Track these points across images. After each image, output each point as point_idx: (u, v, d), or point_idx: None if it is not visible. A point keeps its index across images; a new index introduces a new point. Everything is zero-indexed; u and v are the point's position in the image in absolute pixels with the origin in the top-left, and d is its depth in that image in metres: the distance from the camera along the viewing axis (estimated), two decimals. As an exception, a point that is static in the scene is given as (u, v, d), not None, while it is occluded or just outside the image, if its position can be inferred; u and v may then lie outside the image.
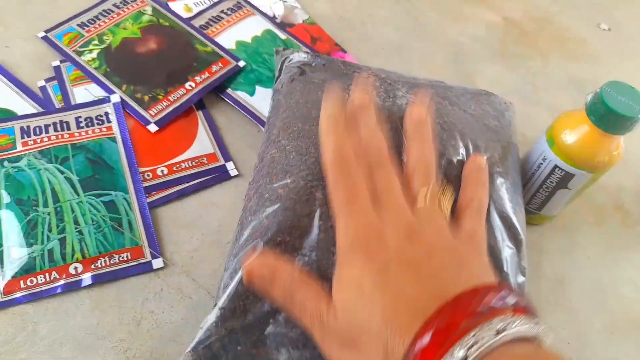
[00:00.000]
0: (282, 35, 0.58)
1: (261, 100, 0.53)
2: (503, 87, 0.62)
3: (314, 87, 0.45)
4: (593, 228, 0.52)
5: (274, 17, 0.61)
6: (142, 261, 0.42)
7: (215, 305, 0.36)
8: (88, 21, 0.56)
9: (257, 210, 0.39)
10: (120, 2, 0.57)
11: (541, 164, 0.46)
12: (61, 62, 0.53)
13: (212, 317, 0.35)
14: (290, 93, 0.46)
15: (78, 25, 0.55)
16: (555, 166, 0.44)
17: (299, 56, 0.48)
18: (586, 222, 0.53)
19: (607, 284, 0.48)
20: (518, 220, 0.42)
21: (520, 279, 0.40)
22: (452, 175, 0.40)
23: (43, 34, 0.54)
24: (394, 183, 0.34)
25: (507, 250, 0.40)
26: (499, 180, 0.43)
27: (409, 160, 0.37)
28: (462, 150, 0.42)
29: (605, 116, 0.40)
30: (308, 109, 0.43)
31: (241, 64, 0.54)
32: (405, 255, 0.30)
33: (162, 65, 0.53)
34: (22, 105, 0.49)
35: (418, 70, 0.61)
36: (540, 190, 0.47)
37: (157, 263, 0.43)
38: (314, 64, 0.48)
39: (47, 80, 0.51)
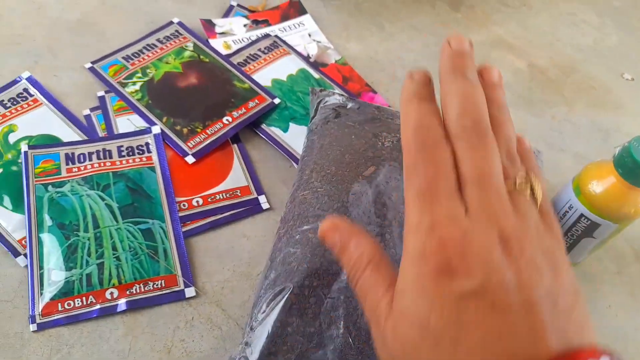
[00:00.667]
0: (316, 75, 0.61)
1: (294, 136, 0.55)
2: (528, 133, 0.64)
3: (347, 130, 0.47)
4: (614, 277, 0.53)
5: (308, 56, 0.63)
6: (176, 289, 0.44)
7: (245, 343, 0.36)
8: (133, 54, 0.58)
9: (287, 252, 0.40)
10: (164, 38, 0.60)
11: (567, 212, 0.47)
12: (106, 92, 0.55)
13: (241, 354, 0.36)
14: (325, 135, 0.48)
15: (123, 57, 0.58)
16: (582, 215, 0.45)
17: (335, 98, 0.50)
18: (607, 271, 0.53)
19: (628, 333, 0.49)
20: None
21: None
22: None
23: (90, 64, 0.57)
24: (494, 165, 0.24)
25: None
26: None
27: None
28: None
29: (634, 170, 0.41)
30: (341, 152, 0.45)
31: (276, 101, 0.57)
32: (501, 280, 0.21)
33: (202, 99, 0.55)
34: (67, 132, 0.51)
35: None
36: (565, 237, 0.48)
37: (190, 292, 0.44)
38: (348, 107, 0.50)
39: (92, 109, 0.54)
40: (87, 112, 0.54)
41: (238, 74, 0.58)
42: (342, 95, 0.51)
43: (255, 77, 0.59)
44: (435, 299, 0.22)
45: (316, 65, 0.63)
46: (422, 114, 0.25)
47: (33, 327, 0.40)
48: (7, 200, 0.46)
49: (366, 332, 0.37)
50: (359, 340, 0.37)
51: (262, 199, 0.51)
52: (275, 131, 0.55)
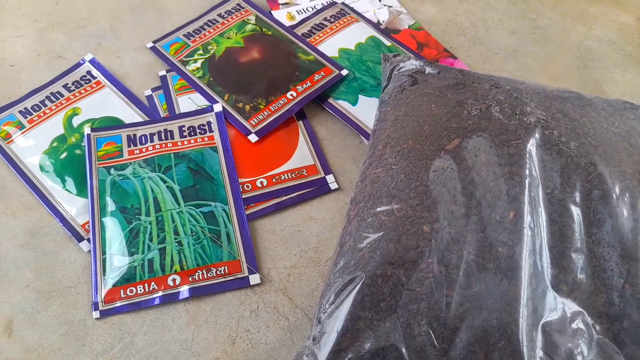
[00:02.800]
0: (387, 42, 0.55)
1: (364, 110, 0.50)
2: (637, 97, 0.54)
3: (426, 98, 0.41)
4: None
5: (379, 23, 0.58)
6: (239, 276, 0.41)
7: (313, 339, 0.32)
8: (194, 31, 0.56)
9: (357, 236, 0.36)
10: (225, 12, 0.57)
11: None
12: (167, 71, 0.53)
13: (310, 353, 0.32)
14: (399, 105, 0.42)
15: (184, 35, 0.56)
16: None
17: (411, 64, 0.45)
18: None
19: None
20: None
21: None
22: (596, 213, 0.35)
23: (151, 44, 0.55)
24: None
25: None
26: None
27: None
28: (599, 185, 0.36)
29: None
30: (419, 124, 0.40)
31: (344, 72, 0.52)
32: None
33: (264, 74, 0.51)
34: (129, 113, 0.50)
35: (537, 78, 0.55)
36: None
37: (254, 279, 0.41)
38: (427, 71, 0.44)
39: (154, 89, 0.52)
40: (148, 92, 0.52)
41: (303, 45, 0.54)
42: (419, 59, 0.45)
43: (320, 47, 0.54)
44: None
45: (387, 32, 0.57)
46: None
47: (96, 314, 0.39)
48: (70, 184, 0.45)
49: (451, 329, 0.31)
50: (444, 340, 0.31)
51: (329, 178, 0.46)
52: (343, 105, 0.50)
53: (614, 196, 0.36)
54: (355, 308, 0.32)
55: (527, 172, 0.36)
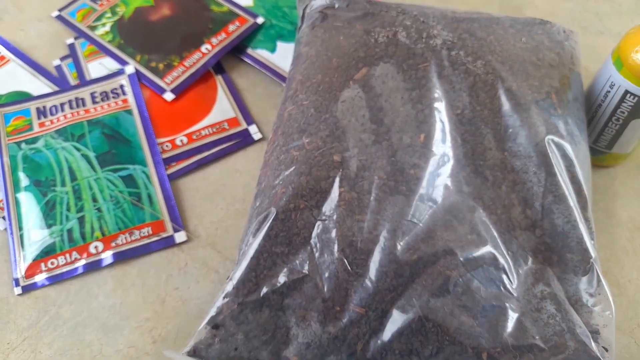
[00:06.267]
0: (303, -13, 0.53)
1: (283, 56, 0.49)
2: (559, 19, 0.55)
3: (335, 32, 0.41)
4: (678, 166, 0.44)
5: (293, -32, 0.56)
6: (164, 235, 0.40)
7: (229, 278, 0.32)
8: (100, -5, 0.53)
9: (272, 175, 0.35)
10: (132, -28, 0.55)
11: (609, 91, 0.39)
12: (75, 39, 0.51)
13: (224, 291, 0.32)
14: (312, 42, 0.41)
15: (91, 0, 0.53)
16: (626, 92, 0.37)
17: (321, 0, 0.43)
18: (669, 160, 0.45)
19: (700, 229, 0.41)
20: (580, 162, 0.36)
21: (585, 233, 0.34)
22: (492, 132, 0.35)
23: (57, 12, 0.53)
24: None
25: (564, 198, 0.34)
26: (558, 121, 0.36)
27: None
28: (507, 104, 0.36)
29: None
30: (328, 57, 0.39)
31: (260, 20, 0.50)
32: None
33: (176, 30, 0.49)
34: (38, 86, 0.47)
35: (458, 5, 0.55)
36: (609, 124, 0.40)
37: (180, 237, 0.40)
38: (336, 6, 0.43)
39: (62, 58, 0.50)
40: (57, 62, 0.49)
41: (215, -3, 0.52)
42: (327, -5, 0.44)
43: (234, -2, 0.52)
44: None
45: (303, -24, 0.55)
46: None
47: (18, 290, 0.38)
48: (-21, 164, 0.43)
49: (365, 253, 0.31)
50: (358, 265, 0.31)
51: (252, 129, 0.45)
52: (261, 54, 0.49)
53: (524, 109, 0.36)
54: (267, 243, 0.32)
55: (435, 94, 0.36)
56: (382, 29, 0.39)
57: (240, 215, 0.41)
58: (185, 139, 0.44)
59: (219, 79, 0.48)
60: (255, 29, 0.50)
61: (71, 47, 0.50)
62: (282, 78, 0.48)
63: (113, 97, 0.46)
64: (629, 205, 0.43)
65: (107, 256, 0.39)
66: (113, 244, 0.39)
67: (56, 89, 0.47)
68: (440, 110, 0.36)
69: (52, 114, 0.45)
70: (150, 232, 0.40)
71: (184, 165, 0.43)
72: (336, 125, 0.35)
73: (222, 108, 0.46)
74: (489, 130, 0.35)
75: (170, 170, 0.43)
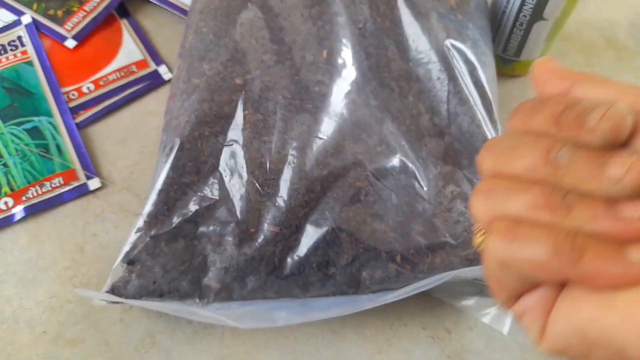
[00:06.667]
0: None
1: (189, -6, 0.47)
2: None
3: (232, -43, 0.39)
4: (584, 69, 0.45)
5: None
6: (76, 184, 0.38)
7: (140, 214, 0.32)
8: (-13, -56, 0.50)
9: (175, 107, 0.34)
10: None
11: (509, -3, 0.39)
12: (-35, -7, 0.47)
13: (136, 226, 0.31)
14: (210, -30, 0.40)
15: (-22, -49, 0.49)
16: (523, -6, 0.38)
17: None
18: (576, 64, 0.46)
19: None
20: (484, 67, 0.36)
21: (490, 133, 0.35)
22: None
23: (-58, -33, 0.49)
24: None
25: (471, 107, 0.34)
26: (459, 27, 0.36)
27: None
28: (407, 13, 0.35)
29: None
30: (226, -18, 0.38)
31: (161, -42, 0.48)
32: None
33: (73, -26, 0.47)
34: None
35: None
36: (514, 30, 0.40)
37: (94, 184, 0.39)
38: None
39: (-48, 15, 0.46)
40: (-53, 20, 0.46)
41: (112, -63, 0.49)
42: None
43: (132, -63, 0.50)
44: None
45: None
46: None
47: None
48: None
49: (275, 173, 0.31)
50: (269, 186, 0.31)
51: (162, 69, 0.44)
52: (166, -8, 0.47)
53: (424, 17, 0.36)
54: (175, 174, 0.31)
55: (335, 9, 0.35)
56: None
57: (155, 157, 0.40)
58: (92, 86, 0.42)
59: (123, 22, 0.46)
60: (158, -33, 0.48)
61: (-40, 2, 0.47)
62: (190, 16, 0.46)
63: (11, 50, 0.44)
64: (542, 112, 0.44)
65: (18, 211, 0.37)
66: (24, 198, 0.37)
67: (-52, 47, 0.44)
68: (342, 25, 0.35)
69: (-55, 73, 0.42)
70: (62, 182, 0.38)
71: (93, 113, 0.42)
72: (236, 48, 0.34)
73: (129, 51, 0.44)
74: (392, 42, 0.35)
75: (79, 119, 0.41)
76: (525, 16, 0.39)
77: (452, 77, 0.34)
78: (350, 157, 0.32)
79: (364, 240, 0.31)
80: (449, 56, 0.35)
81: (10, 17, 0.46)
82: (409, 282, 0.30)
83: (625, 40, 0.47)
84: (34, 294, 0.35)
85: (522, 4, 0.38)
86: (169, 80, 0.43)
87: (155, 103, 0.43)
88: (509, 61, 0.43)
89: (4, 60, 0.43)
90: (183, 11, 0.46)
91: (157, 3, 0.47)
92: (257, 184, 0.31)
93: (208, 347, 0.33)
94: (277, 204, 0.31)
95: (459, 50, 0.35)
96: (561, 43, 0.46)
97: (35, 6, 0.45)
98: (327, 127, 0.33)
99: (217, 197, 0.31)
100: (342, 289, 0.31)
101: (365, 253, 0.31)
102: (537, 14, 0.38)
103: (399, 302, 0.30)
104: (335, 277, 0.30)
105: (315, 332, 0.33)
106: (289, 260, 0.31)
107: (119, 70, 0.43)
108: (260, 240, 0.31)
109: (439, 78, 0.35)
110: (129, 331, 0.34)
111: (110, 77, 0.43)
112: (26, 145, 0.39)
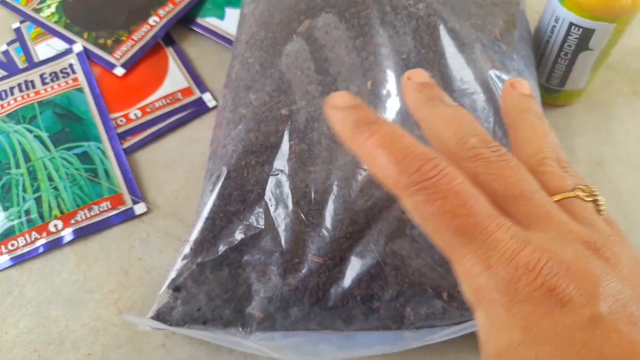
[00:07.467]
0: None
1: (233, 22, 0.48)
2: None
3: (277, -11, 0.40)
4: (629, 98, 0.45)
5: None
6: (123, 208, 0.39)
7: (186, 241, 0.32)
8: (43, -24, 0.52)
9: (222, 136, 0.35)
10: (74, -50, 0.53)
11: (554, 26, 0.39)
12: (21, 22, 0.50)
13: (182, 253, 0.32)
14: (255, 2, 0.41)
15: (34, -18, 0.52)
16: (571, 24, 0.37)
17: (260, -42, 0.43)
18: (621, 93, 0.45)
19: (654, 157, 0.41)
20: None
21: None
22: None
23: (0, -2, 0.51)
24: (527, 176, 0.20)
25: None
26: (503, 58, 0.36)
27: (527, 145, 0.23)
28: (451, 44, 0.35)
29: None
30: (271, 13, 0.38)
31: (206, -12, 0.50)
32: (619, 293, 0.17)
33: (122, 5, 0.48)
34: (-14, 72, 0.47)
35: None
36: (558, 60, 0.40)
37: (140, 208, 0.40)
38: (275, -37, 0.42)
39: (9, 43, 0.49)
40: (4, 47, 0.48)
41: (160, -32, 0.51)
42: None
43: (179, -32, 0.51)
44: (554, 341, 0.16)
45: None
46: (389, 145, 0.19)
47: (-21, 275, 0.37)
48: None
49: (319, 203, 0.31)
50: (314, 216, 0.31)
51: (207, 97, 0.45)
52: (211, 21, 0.48)
53: (468, 48, 0.36)
54: (221, 202, 0.32)
55: (379, 40, 0.36)
56: (322, -21, 0.39)
57: (199, 183, 0.41)
58: (139, 113, 0.44)
59: (169, 51, 0.47)
60: (203, -3, 0.49)
61: (17, 31, 0.49)
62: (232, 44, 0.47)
63: (63, 77, 0.45)
64: (587, 142, 0.43)
65: (67, 233, 0.38)
66: (72, 221, 0.39)
67: (5, 73, 0.46)
68: (386, 56, 0.35)
69: (1, 99, 0.44)
70: (109, 206, 0.39)
71: (140, 138, 0.43)
72: (282, 79, 0.35)
73: (175, 79, 0.45)
74: (436, 72, 0.35)
75: (126, 144, 0.42)
76: (570, 46, 0.39)
77: (497, 108, 0.34)
78: (394, 188, 0.32)
79: (409, 275, 0.31)
80: (493, 87, 0.34)
81: (62, 45, 0.47)
82: (455, 320, 0.29)
83: (673, 69, 0.46)
84: (80, 315, 0.36)
85: (567, 34, 0.38)
86: (213, 108, 0.44)
87: (199, 130, 0.44)
88: (553, 91, 0.43)
89: (56, 87, 0.45)
90: (226, 40, 0.47)
91: (202, 32, 0.48)
92: (301, 214, 0.31)
93: (249, 375, 0.33)
94: (321, 235, 0.32)
95: (503, 81, 0.35)
96: (606, 72, 0.45)
97: (86, 35, 0.47)
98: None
99: (263, 226, 0.32)
100: (385, 323, 0.31)
101: (411, 288, 0.31)
102: (583, 44, 0.38)
103: (445, 342, 0.30)
104: (379, 311, 0.30)
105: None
106: (332, 291, 0.31)
107: (165, 97, 0.44)
108: (304, 270, 0.31)
109: (484, 109, 0.34)
110: (171, 357, 0.34)
111: (157, 104, 0.44)
112: (76, 169, 0.40)
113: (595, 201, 0.21)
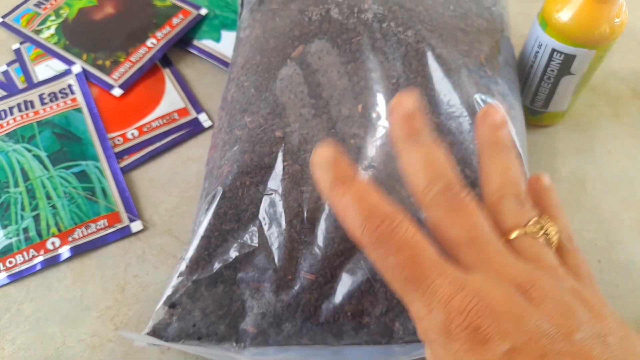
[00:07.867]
0: (245, -24, 0.54)
1: (228, 45, 0.49)
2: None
3: (272, 14, 0.42)
4: (611, 119, 0.46)
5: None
6: (120, 226, 0.40)
7: (182, 258, 0.33)
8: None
9: (218, 156, 0.36)
10: (73, -27, 0.55)
11: (537, 52, 0.40)
12: (21, 44, 0.51)
13: (178, 271, 0.33)
14: (250, 26, 0.42)
15: (34, 5, 0.53)
16: (553, 50, 0.39)
17: (256, -15, 0.44)
18: (603, 115, 0.47)
19: (633, 177, 0.43)
20: (513, 120, 0.37)
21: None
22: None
23: (1, 19, 0.53)
24: (479, 222, 0.23)
25: None
26: (488, 82, 0.38)
27: (489, 182, 0.26)
28: (439, 69, 0.37)
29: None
30: (266, 39, 0.40)
31: (203, 12, 0.51)
32: (536, 329, 0.19)
33: (121, 27, 0.50)
34: (-15, 92, 0.48)
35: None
36: (542, 83, 0.42)
37: (136, 226, 0.40)
38: (270, -11, 0.44)
39: (9, 64, 0.50)
40: (3, 68, 0.50)
41: (158, -8, 0.53)
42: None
43: (176, -8, 0.53)
44: None
45: (245, -34, 0.56)
46: (357, 203, 0.22)
47: (-23, 292, 0.38)
48: None
49: (312, 222, 0.33)
50: (306, 234, 0.32)
51: (202, 117, 0.46)
52: (207, 44, 0.50)
53: (455, 73, 0.37)
54: (217, 221, 0.33)
55: (369, 65, 0.37)
56: (315, 7, 0.40)
57: (194, 201, 0.42)
58: (136, 132, 0.45)
59: (166, 72, 0.49)
60: (199, 20, 0.51)
61: (17, 52, 0.50)
62: (228, 66, 0.48)
63: (62, 97, 0.46)
64: (570, 161, 0.45)
65: (65, 251, 0.39)
66: (70, 239, 0.39)
67: (4, 94, 0.47)
68: (377, 81, 0.37)
69: (1, 119, 0.45)
70: (106, 224, 0.40)
71: (137, 158, 0.44)
72: (276, 102, 0.36)
73: (171, 99, 0.47)
74: (424, 97, 0.37)
75: (123, 163, 0.43)
76: (552, 71, 0.40)
77: (483, 131, 0.36)
78: (384, 207, 0.34)
79: (397, 290, 0.32)
80: (479, 110, 0.36)
81: (61, 66, 0.49)
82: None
83: (652, 92, 0.48)
84: (77, 332, 0.37)
85: (550, 60, 0.40)
86: (209, 127, 0.46)
87: (195, 149, 0.45)
88: (537, 112, 0.44)
89: (55, 107, 0.46)
90: (222, 62, 0.49)
91: (198, 54, 0.50)
92: (294, 232, 0.32)
93: (243, 390, 0.34)
94: (313, 252, 0.33)
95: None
96: (588, 94, 0.47)
97: (85, 56, 0.49)
98: (362, 178, 0.34)
99: (257, 245, 0.33)
100: (375, 338, 0.32)
101: (400, 304, 0.32)
102: (565, 69, 0.40)
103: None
104: (369, 327, 0.31)
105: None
106: (324, 307, 0.32)
107: (161, 117, 0.46)
108: (296, 287, 0.32)
109: (470, 131, 0.36)
110: (167, 372, 0.35)
111: (154, 124, 0.45)
112: (74, 188, 0.41)
113: (545, 234, 0.24)
